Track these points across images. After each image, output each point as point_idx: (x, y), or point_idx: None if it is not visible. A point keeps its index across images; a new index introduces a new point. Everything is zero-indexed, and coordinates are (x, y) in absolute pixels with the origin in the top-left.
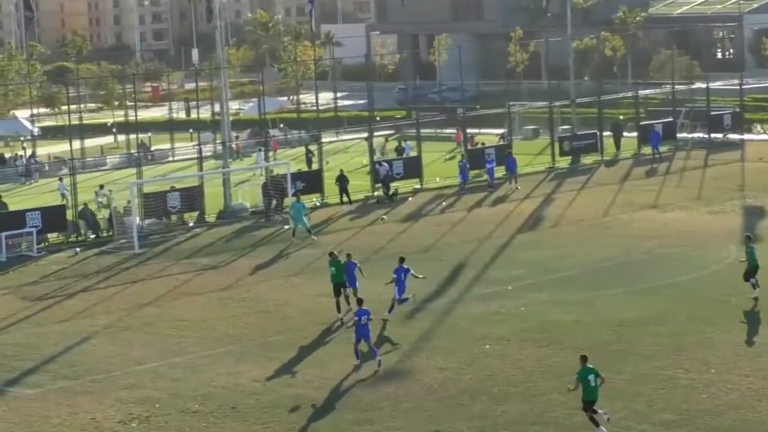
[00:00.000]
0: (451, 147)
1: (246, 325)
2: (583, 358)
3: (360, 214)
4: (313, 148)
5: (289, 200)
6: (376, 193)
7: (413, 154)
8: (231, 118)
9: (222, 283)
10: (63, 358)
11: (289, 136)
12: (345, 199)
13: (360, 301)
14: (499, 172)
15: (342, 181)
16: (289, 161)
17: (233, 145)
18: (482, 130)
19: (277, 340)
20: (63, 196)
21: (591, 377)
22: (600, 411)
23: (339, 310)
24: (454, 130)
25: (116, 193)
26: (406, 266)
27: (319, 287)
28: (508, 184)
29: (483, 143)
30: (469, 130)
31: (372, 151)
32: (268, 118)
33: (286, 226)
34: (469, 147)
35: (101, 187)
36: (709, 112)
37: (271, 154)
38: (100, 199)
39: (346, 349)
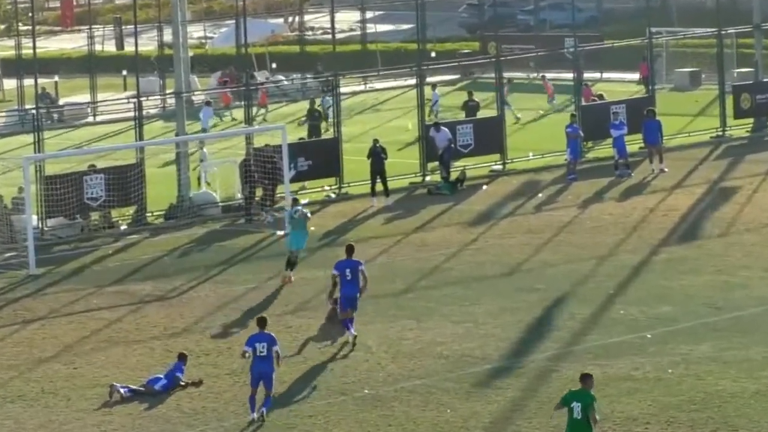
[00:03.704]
0: (557, 101)
1: (212, 394)
2: (584, 379)
3: (402, 212)
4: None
5: (284, 189)
6: (428, 178)
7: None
8: (191, 53)
9: (174, 324)
10: None
11: (286, 83)
12: (380, 187)
13: (261, 322)
14: (633, 143)
15: (377, 157)
16: (284, 125)
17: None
18: (606, 74)
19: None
20: None
21: (575, 405)
22: None
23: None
24: (548, 75)
25: (1, 176)
26: (356, 259)
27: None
28: (647, 163)
29: (599, 96)
30: (569, 75)
31: (423, 108)
32: (252, 52)
33: (279, 232)
34: (584, 102)
35: None
36: None
37: (258, 112)
38: None
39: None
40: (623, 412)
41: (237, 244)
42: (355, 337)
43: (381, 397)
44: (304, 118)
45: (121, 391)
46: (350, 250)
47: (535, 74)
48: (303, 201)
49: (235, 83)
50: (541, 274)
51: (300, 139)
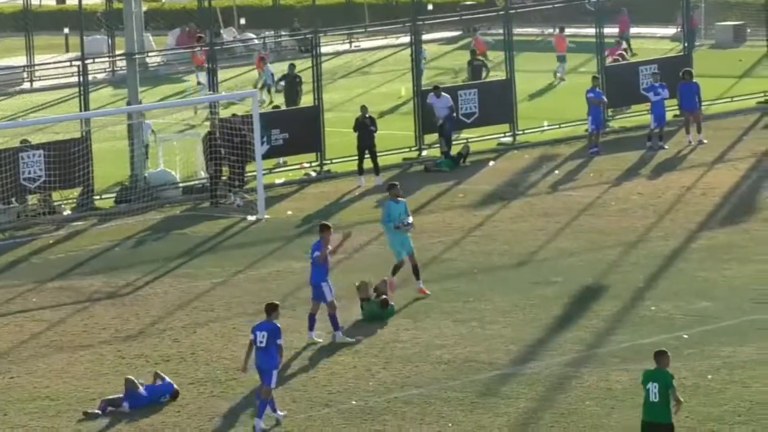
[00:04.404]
0: (576, 62)
1: (173, 407)
2: (658, 356)
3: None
4: (301, 66)
5: (256, 167)
6: (425, 153)
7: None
8: (145, 8)
9: (127, 325)
10: None
11: (257, 42)
12: (369, 163)
13: (268, 308)
14: (667, 110)
15: (365, 129)
16: (257, 90)
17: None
18: (636, 30)
19: None
20: None
21: (651, 386)
22: None
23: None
24: (556, 34)
25: None
26: (319, 240)
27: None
28: (683, 133)
29: (619, 55)
30: (608, 30)
31: (419, 71)
32: (216, 6)
33: (250, 217)
34: (609, 61)
35: None
36: None
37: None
38: None
39: None
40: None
41: (200, 232)
42: (339, 342)
43: (371, 409)
44: (281, 83)
45: (97, 411)
46: (325, 228)
47: (552, 30)
48: (278, 181)
49: (193, 40)
50: (559, 264)
51: (274, 107)
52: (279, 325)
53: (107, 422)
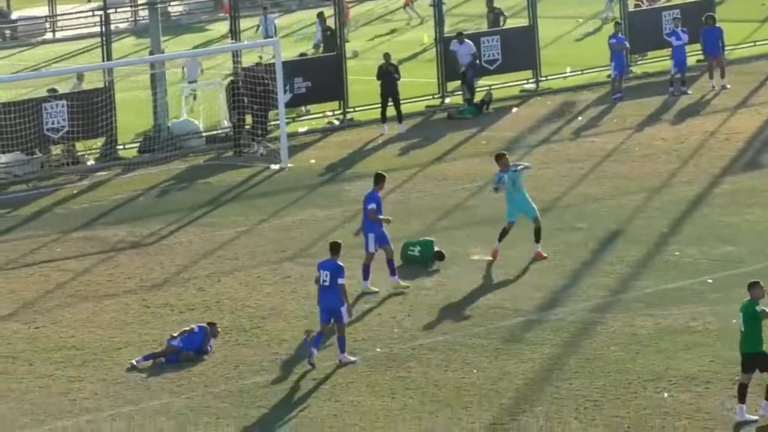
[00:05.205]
0: (599, 7)
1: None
2: (750, 287)
3: (419, 140)
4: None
5: (279, 115)
6: (448, 100)
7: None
8: None
9: (152, 275)
10: None
11: None
12: (392, 111)
13: (332, 247)
14: (690, 55)
15: (388, 77)
16: (278, 39)
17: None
18: None
19: (256, 384)
20: None
21: (740, 317)
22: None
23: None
24: None
25: None
26: (371, 190)
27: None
28: (706, 78)
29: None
30: None
31: (441, 19)
32: None
33: (273, 165)
34: (633, 6)
35: None
36: None
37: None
38: None
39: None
40: (680, 369)
41: (224, 181)
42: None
43: (396, 356)
44: (317, 39)
45: (134, 362)
46: (379, 179)
47: None
48: (301, 129)
49: None
50: (583, 210)
51: (301, 54)
52: (342, 264)
53: (134, 373)
